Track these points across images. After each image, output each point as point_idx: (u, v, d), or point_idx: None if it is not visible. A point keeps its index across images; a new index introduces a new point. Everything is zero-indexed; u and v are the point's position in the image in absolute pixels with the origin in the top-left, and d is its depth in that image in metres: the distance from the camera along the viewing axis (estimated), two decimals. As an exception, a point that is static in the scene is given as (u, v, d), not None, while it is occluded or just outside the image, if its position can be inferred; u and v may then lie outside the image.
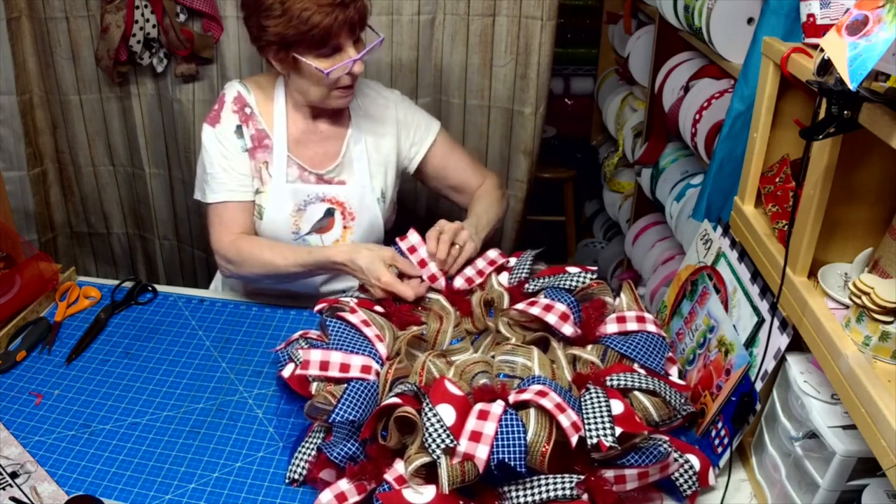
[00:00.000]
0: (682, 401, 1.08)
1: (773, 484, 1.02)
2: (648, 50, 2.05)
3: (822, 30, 0.94)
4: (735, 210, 1.19)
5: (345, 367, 1.09)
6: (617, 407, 0.98)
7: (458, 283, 1.35)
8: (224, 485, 1.07)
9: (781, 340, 1.00)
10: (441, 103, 1.97)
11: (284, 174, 1.45)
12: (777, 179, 1.09)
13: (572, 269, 1.29)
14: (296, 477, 1.06)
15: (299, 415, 1.17)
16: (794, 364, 0.98)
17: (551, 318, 1.16)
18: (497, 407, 0.97)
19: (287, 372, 1.18)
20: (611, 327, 1.18)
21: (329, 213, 1.48)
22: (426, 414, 0.95)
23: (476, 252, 1.40)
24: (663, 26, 1.86)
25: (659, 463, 0.99)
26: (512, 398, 1.00)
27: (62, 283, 1.50)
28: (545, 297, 1.22)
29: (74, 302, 1.47)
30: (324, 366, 1.08)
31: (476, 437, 0.93)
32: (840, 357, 0.83)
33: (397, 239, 1.38)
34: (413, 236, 1.38)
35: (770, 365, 1.02)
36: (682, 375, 1.22)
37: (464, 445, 0.92)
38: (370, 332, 1.17)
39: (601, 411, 0.97)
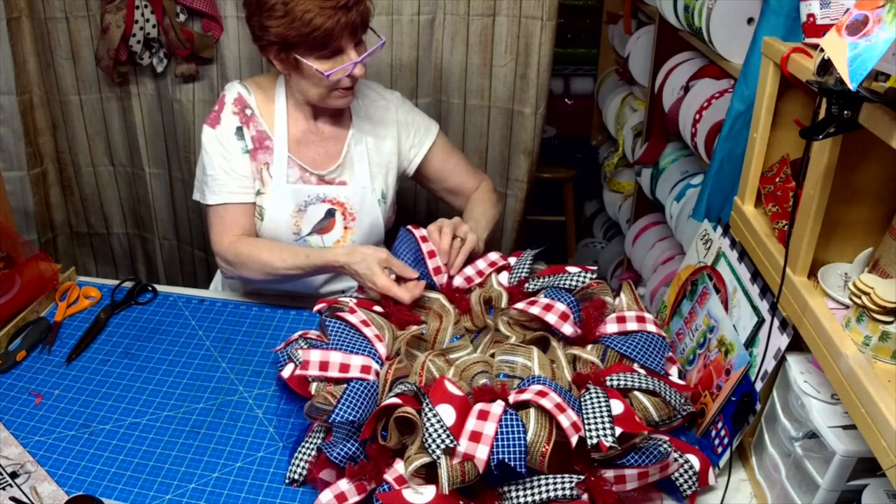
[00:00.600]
0: (682, 401, 1.08)
1: (773, 484, 1.02)
2: (648, 50, 2.04)
3: (822, 30, 0.94)
4: (735, 210, 1.19)
5: (344, 368, 1.09)
6: (617, 407, 0.98)
7: (458, 282, 1.35)
8: (224, 485, 1.07)
9: (781, 340, 1.00)
10: (441, 103, 1.97)
11: (285, 175, 1.45)
12: (777, 179, 1.09)
13: (572, 269, 1.28)
14: (296, 477, 1.06)
15: (299, 415, 1.17)
16: (794, 364, 0.98)
17: (551, 318, 1.16)
18: (497, 407, 0.97)
19: (287, 372, 1.18)
20: (611, 327, 1.18)
21: (330, 214, 1.48)
22: (426, 414, 0.95)
23: (478, 245, 1.39)
24: (663, 26, 1.86)
25: (659, 463, 0.99)
26: (512, 398, 1.00)
27: (62, 283, 1.50)
28: (545, 296, 1.22)
29: (74, 302, 1.47)
30: (323, 366, 1.08)
31: (476, 437, 0.93)
32: (840, 357, 0.83)
33: (411, 227, 1.37)
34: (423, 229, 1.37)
35: (770, 365, 1.02)
36: (682, 375, 1.22)
37: (464, 445, 0.92)
38: (370, 332, 1.17)
39: (601, 411, 0.97)
